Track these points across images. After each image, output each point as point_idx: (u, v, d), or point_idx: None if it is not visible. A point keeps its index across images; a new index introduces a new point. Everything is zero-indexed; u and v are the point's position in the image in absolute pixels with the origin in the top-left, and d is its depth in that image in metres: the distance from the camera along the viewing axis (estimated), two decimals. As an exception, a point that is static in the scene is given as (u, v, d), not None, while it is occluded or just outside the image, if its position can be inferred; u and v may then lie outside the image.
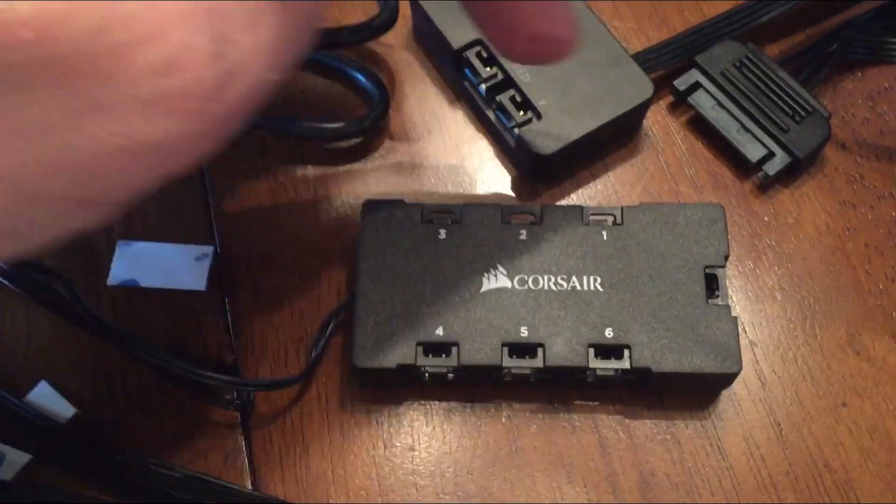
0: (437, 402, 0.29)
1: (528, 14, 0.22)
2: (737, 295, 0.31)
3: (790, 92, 0.32)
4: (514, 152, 0.32)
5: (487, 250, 0.29)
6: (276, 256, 0.31)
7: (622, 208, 0.29)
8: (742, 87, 0.33)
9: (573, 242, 0.29)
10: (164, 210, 0.32)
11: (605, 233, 0.29)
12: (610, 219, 0.29)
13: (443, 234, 0.29)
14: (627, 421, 0.29)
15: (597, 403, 0.29)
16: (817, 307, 0.30)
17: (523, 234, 0.29)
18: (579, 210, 0.29)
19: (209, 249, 0.29)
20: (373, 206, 0.30)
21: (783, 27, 0.35)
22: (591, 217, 0.29)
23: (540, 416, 0.29)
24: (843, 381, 0.29)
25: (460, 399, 0.29)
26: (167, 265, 0.29)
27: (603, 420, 0.29)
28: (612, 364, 0.27)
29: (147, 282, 0.29)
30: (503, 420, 0.29)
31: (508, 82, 0.32)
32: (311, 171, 0.33)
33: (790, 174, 0.32)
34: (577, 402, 0.29)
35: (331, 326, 0.29)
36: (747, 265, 0.31)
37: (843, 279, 0.31)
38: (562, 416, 0.29)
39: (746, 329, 0.30)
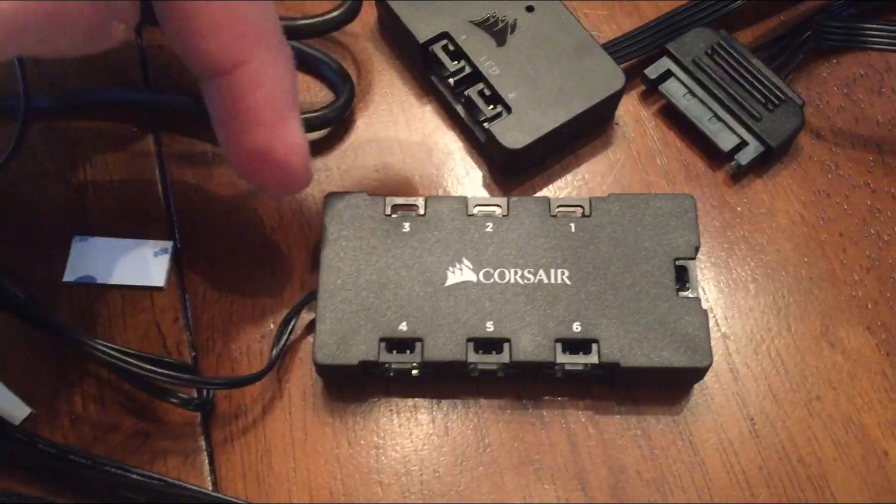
0: (402, 399, 0.28)
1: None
2: (709, 286, 0.30)
3: (763, 80, 0.32)
4: (483, 146, 0.32)
5: (452, 243, 0.28)
6: (237, 251, 0.30)
7: (590, 199, 0.29)
8: (714, 75, 0.32)
9: (540, 235, 0.28)
10: (122, 204, 0.31)
11: (573, 225, 0.28)
12: (578, 210, 0.29)
13: (407, 227, 0.28)
14: (597, 416, 0.28)
15: (566, 399, 0.28)
16: (791, 299, 0.30)
17: (489, 227, 0.28)
18: (546, 202, 0.29)
19: (168, 245, 0.29)
20: (335, 200, 0.29)
21: (756, 14, 0.35)
22: (559, 209, 0.29)
23: (508, 412, 0.28)
24: (818, 374, 0.29)
25: (426, 395, 0.28)
26: (125, 261, 0.28)
27: (572, 416, 0.28)
28: (580, 359, 0.27)
29: (104, 278, 0.28)
30: (470, 417, 0.28)
31: (476, 76, 0.31)
32: (275, 165, 0.32)
33: (763, 163, 0.32)
34: (546, 397, 0.28)
35: (293, 322, 0.29)
36: (720, 256, 0.31)
37: (817, 270, 0.30)
38: (530, 413, 0.28)
39: (719, 322, 0.29)
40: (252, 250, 0.30)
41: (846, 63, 0.34)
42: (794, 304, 0.30)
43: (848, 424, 0.28)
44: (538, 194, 0.32)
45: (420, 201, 0.29)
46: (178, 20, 0.22)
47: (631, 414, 0.28)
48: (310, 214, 0.31)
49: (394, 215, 0.29)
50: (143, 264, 0.28)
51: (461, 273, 0.28)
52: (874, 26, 0.31)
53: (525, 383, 0.28)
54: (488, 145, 0.31)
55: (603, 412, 0.28)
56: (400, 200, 0.29)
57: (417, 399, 0.28)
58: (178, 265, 0.30)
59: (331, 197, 0.29)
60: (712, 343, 0.27)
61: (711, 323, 0.29)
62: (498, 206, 0.29)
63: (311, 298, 0.29)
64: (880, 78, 0.34)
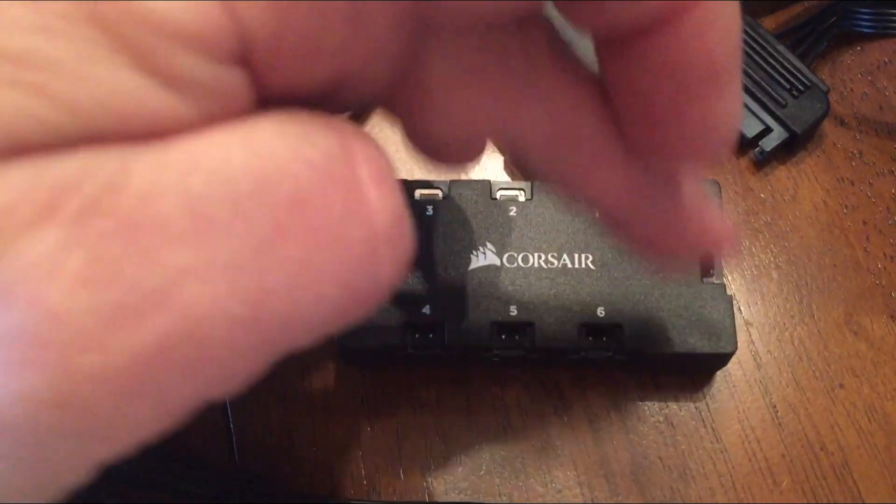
0: (424, 383, 0.28)
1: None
2: (732, 274, 0.30)
3: (788, 66, 0.32)
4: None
5: (476, 227, 0.28)
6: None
7: None
8: (739, 61, 0.32)
9: (564, 219, 0.28)
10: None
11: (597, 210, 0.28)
12: None
13: (430, 210, 0.28)
14: (620, 402, 0.28)
15: (588, 384, 0.28)
16: (814, 286, 0.30)
17: (513, 211, 0.28)
18: None
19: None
20: None
21: None
22: None
23: (530, 396, 0.28)
24: (841, 361, 0.29)
25: (449, 380, 0.28)
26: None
27: (594, 401, 0.28)
28: (604, 344, 0.27)
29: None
30: (493, 401, 0.28)
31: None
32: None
33: (787, 150, 0.32)
34: (569, 383, 0.28)
35: None
36: (743, 243, 0.30)
37: (840, 257, 0.30)
38: (553, 398, 0.28)
39: (742, 308, 0.29)
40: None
41: (871, 50, 0.34)
42: (818, 292, 0.30)
43: (871, 412, 0.28)
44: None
45: (444, 185, 0.29)
46: None
47: (653, 400, 0.28)
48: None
49: (417, 198, 0.28)
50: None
51: (484, 257, 0.27)
52: (901, 14, 0.31)
53: (548, 368, 0.28)
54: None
55: (626, 398, 0.28)
56: (423, 183, 0.29)
57: (440, 383, 0.28)
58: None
59: None
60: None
61: (734, 309, 0.29)
62: (522, 189, 0.29)
63: None
64: (905, 65, 0.33)
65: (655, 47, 0.14)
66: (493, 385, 0.28)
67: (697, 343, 0.26)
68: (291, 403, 0.28)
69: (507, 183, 0.29)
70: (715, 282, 0.27)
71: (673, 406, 0.28)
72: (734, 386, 0.28)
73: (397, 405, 0.28)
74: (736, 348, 0.26)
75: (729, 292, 0.27)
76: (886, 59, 0.34)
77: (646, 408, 0.28)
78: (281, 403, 0.28)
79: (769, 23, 0.34)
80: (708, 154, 0.17)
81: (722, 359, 0.27)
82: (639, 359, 0.27)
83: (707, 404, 0.28)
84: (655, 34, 0.14)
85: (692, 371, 0.28)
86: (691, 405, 0.28)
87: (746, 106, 0.31)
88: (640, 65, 0.15)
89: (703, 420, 0.28)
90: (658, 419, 0.28)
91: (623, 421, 0.28)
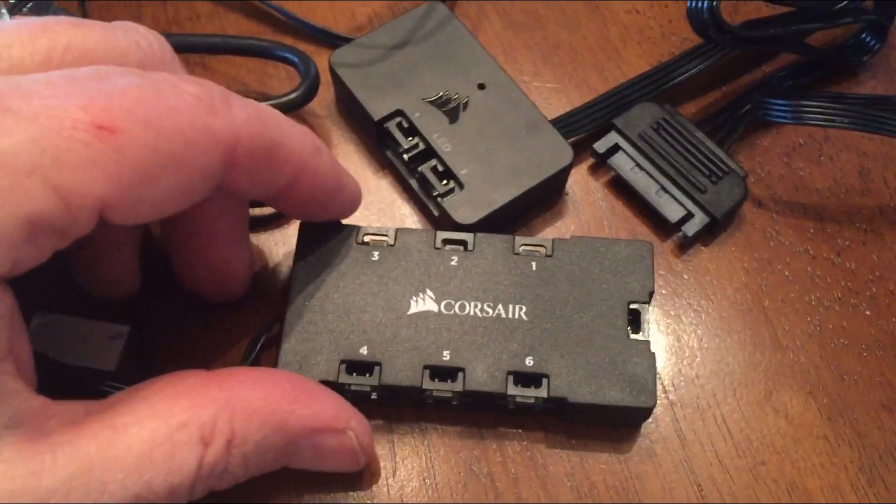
0: None
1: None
2: (658, 353, 0.31)
3: (706, 152, 0.33)
4: (438, 220, 0.33)
5: (418, 274, 0.29)
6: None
7: (553, 240, 0.30)
8: (660, 149, 0.33)
9: (502, 271, 0.29)
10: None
11: (534, 263, 0.29)
12: (541, 250, 0.30)
13: (376, 255, 0.30)
14: (545, 450, 0.29)
15: (517, 430, 0.29)
16: (736, 365, 0.31)
17: (454, 260, 0.29)
18: (511, 240, 0.30)
19: (125, 329, 0.29)
20: (309, 227, 0.30)
21: (700, 87, 0.36)
22: (522, 247, 0.30)
23: (459, 440, 0.29)
24: (762, 439, 0.30)
25: (383, 418, 0.29)
26: (81, 342, 0.29)
27: (520, 448, 0.29)
28: (531, 392, 0.28)
29: (58, 357, 0.29)
30: (423, 442, 0.29)
31: (430, 152, 0.32)
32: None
33: (709, 233, 0.33)
34: (498, 428, 0.29)
35: (261, 341, 0.30)
36: (668, 324, 0.32)
37: (760, 336, 0.31)
38: (479, 443, 0.29)
39: (667, 388, 0.30)
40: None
41: (786, 132, 0.35)
42: (739, 371, 0.31)
43: (792, 489, 0.29)
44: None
45: (391, 232, 0.30)
46: None
47: (576, 449, 0.29)
48: (272, 287, 0.32)
49: (364, 244, 0.30)
50: (98, 347, 0.29)
51: (423, 303, 0.29)
52: (810, 103, 0.33)
53: (478, 413, 0.30)
54: (442, 219, 0.32)
55: (551, 446, 0.29)
56: (371, 230, 0.30)
57: (374, 421, 0.29)
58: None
59: (306, 223, 0.30)
60: (659, 402, 0.29)
61: (659, 388, 0.30)
62: (464, 241, 0.30)
63: (278, 319, 0.30)
64: (819, 147, 0.35)
65: (298, 187, 0.26)
66: (428, 426, 0.29)
67: (619, 396, 0.28)
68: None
69: (451, 234, 0.30)
70: (641, 338, 0.29)
71: (598, 480, 0.29)
72: (660, 465, 0.29)
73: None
74: (655, 403, 0.28)
75: (653, 349, 0.28)
76: (801, 141, 0.35)
77: (568, 459, 0.29)
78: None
79: (689, 109, 0.36)
80: (348, 212, 0.30)
81: (642, 413, 0.29)
82: (563, 408, 0.28)
83: (634, 485, 0.29)
84: (294, 184, 0.26)
85: (615, 422, 0.29)
86: (617, 484, 0.29)
87: (669, 192, 0.33)
88: (294, 195, 0.26)
89: (629, 498, 0.29)
90: (580, 472, 0.29)
91: (545, 468, 0.29)
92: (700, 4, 0.31)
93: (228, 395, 0.23)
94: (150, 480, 0.21)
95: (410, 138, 0.32)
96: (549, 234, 0.33)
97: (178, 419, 0.22)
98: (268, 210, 0.33)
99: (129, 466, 0.21)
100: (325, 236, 0.30)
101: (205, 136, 0.22)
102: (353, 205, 0.29)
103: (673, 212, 0.33)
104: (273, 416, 0.24)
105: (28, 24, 0.22)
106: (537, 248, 0.30)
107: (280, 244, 0.33)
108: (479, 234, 0.30)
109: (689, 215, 0.33)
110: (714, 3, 0.31)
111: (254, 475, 0.24)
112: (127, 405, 0.22)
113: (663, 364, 0.31)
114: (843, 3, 0.35)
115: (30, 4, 0.35)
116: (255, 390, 0.24)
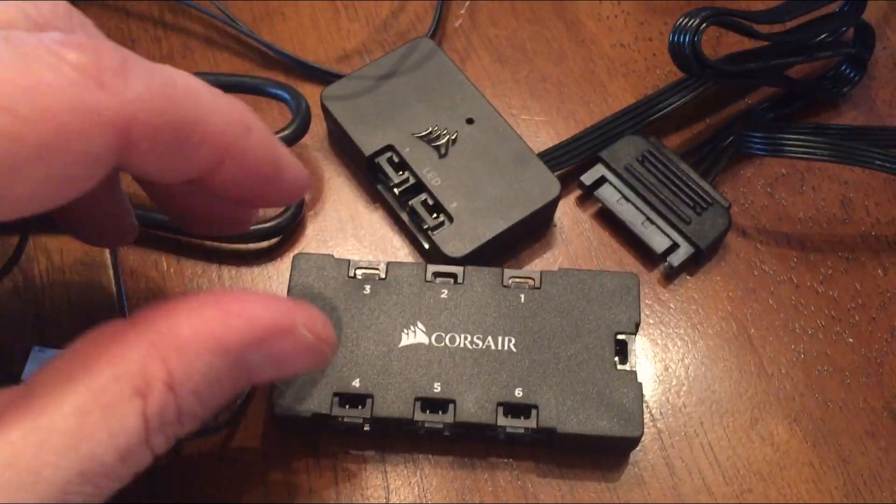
0: (353, 453, 0.30)
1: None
2: (645, 383, 0.32)
3: (691, 184, 0.34)
4: (429, 253, 0.33)
5: (409, 307, 0.30)
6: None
7: (541, 273, 0.31)
8: (645, 181, 0.34)
9: (491, 303, 0.30)
10: (80, 319, 0.32)
11: (523, 295, 0.30)
12: (529, 282, 0.31)
13: (368, 289, 0.30)
14: (535, 479, 0.30)
15: (508, 460, 0.30)
16: (723, 393, 0.32)
17: (444, 293, 0.30)
18: (500, 272, 0.31)
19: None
20: (303, 260, 0.31)
21: (684, 119, 0.37)
22: (511, 280, 0.31)
23: (451, 470, 0.30)
24: (748, 466, 0.30)
25: (376, 449, 0.30)
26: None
27: (511, 478, 0.30)
28: (520, 423, 0.28)
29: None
30: (415, 473, 0.30)
31: (420, 186, 0.33)
32: (226, 273, 0.33)
33: (695, 263, 0.34)
34: (489, 458, 0.30)
35: None
36: (655, 352, 0.32)
37: (746, 364, 0.32)
38: (471, 473, 0.30)
39: (654, 416, 0.31)
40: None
41: (769, 163, 0.36)
42: (726, 399, 0.31)
43: (778, 516, 0.30)
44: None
45: (382, 265, 0.31)
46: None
47: (566, 478, 0.30)
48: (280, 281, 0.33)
49: (357, 278, 0.30)
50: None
51: (414, 336, 0.29)
52: (790, 136, 0.33)
53: (470, 444, 0.30)
54: (433, 252, 0.33)
55: (542, 475, 0.30)
56: (363, 264, 0.31)
57: (367, 452, 0.30)
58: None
59: (298, 257, 0.31)
60: (647, 431, 0.29)
61: (647, 417, 0.31)
62: (454, 274, 0.31)
63: None
64: (801, 177, 0.36)
65: (223, 172, 0.22)
66: (421, 456, 0.30)
67: (606, 426, 0.28)
68: (227, 470, 0.30)
69: (441, 267, 0.31)
70: (628, 369, 0.29)
71: (586, 492, 0.29)
72: (648, 493, 0.30)
73: (326, 474, 0.30)
74: (643, 433, 0.28)
75: (640, 379, 0.29)
76: (784, 172, 0.36)
77: (558, 488, 0.29)
78: (220, 471, 0.30)
79: (674, 141, 0.36)
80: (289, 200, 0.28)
81: (630, 442, 0.29)
82: (553, 438, 0.29)
83: (624, 512, 0.29)
84: (218, 169, 0.22)
85: (604, 451, 0.30)
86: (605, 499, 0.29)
87: (654, 223, 0.34)
88: (219, 181, 0.23)
89: (620, 530, 0.29)
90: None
91: (536, 497, 0.29)
92: (681, 39, 0.32)
93: (151, 336, 0.20)
94: (90, 453, 0.19)
95: (401, 173, 0.33)
96: (538, 265, 0.34)
97: (101, 380, 0.19)
98: (263, 244, 0.34)
99: (60, 446, 0.19)
100: (318, 270, 0.30)
101: (84, 116, 0.18)
102: (294, 193, 0.26)
103: (658, 243, 0.33)
104: (207, 340, 0.21)
105: None
106: (526, 281, 0.31)
107: (274, 278, 0.33)
108: (469, 267, 0.31)
109: (674, 246, 0.33)
110: (695, 38, 0.32)
111: (219, 407, 0.22)
112: (44, 382, 0.20)
113: (651, 393, 0.31)
114: (822, 37, 0.36)
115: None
116: (179, 319, 0.21)
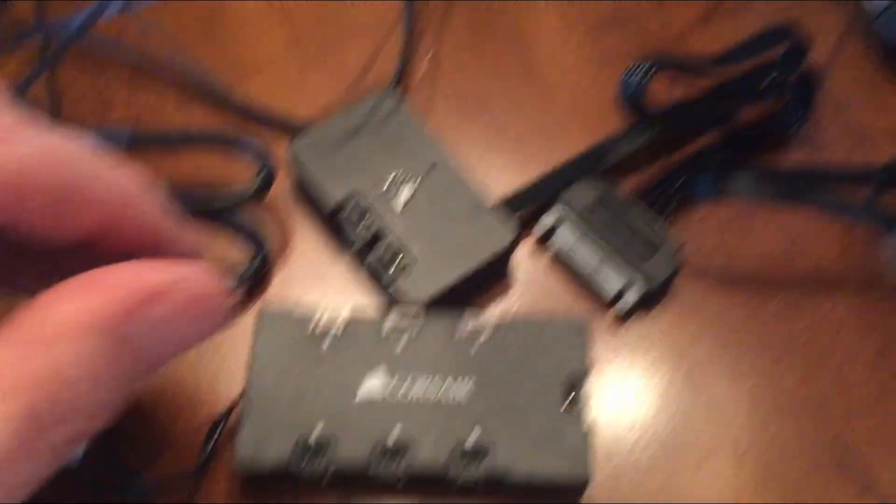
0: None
1: None
2: (598, 422, 0.33)
3: (643, 227, 0.35)
4: (391, 299, 0.35)
5: (366, 359, 0.31)
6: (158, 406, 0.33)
7: (496, 322, 0.32)
8: (599, 224, 0.35)
9: (447, 352, 0.31)
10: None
11: (477, 344, 0.32)
12: (483, 330, 0.32)
13: (326, 345, 0.32)
14: None
15: None
16: (673, 433, 0.33)
17: (401, 343, 0.32)
18: (455, 322, 0.32)
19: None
20: (266, 316, 0.32)
21: (638, 161, 0.38)
22: (467, 328, 0.32)
23: None
24: None
25: (338, 499, 0.31)
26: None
27: None
28: (472, 469, 0.30)
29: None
30: None
31: (381, 235, 0.34)
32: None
33: (646, 304, 0.35)
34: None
35: (220, 427, 0.32)
36: (608, 395, 0.33)
37: (697, 403, 0.33)
38: None
39: (605, 459, 0.32)
40: (174, 409, 0.33)
41: (721, 204, 0.37)
42: (675, 438, 0.33)
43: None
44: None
45: (340, 322, 0.32)
46: None
47: None
48: (229, 375, 0.34)
49: (316, 334, 0.32)
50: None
51: (372, 387, 0.31)
52: (737, 177, 0.35)
53: (429, 492, 0.31)
54: (394, 299, 0.34)
55: None
56: (324, 319, 0.32)
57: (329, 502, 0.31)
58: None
59: (261, 313, 0.32)
60: (599, 472, 0.31)
61: (600, 459, 0.32)
62: (411, 324, 0.32)
63: (234, 407, 0.32)
64: (750, 218, 0.37)
65: (115, 238, 0.22)
66: None
67: (555, 470, 0.30)
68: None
69: (396, 319, 0.32)
70: (577, 413, 0.31)
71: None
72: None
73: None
74: (591, 476, 0.30)
75: (588, 424, 0.30)
76: (734, 213, 0.37)
77: None
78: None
79: (628, 184, 0.38)
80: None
81: (579, 485, 0.31)
82: (504, 485, 0.30)
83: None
84: (105, 235, 0.22)
85: (555, 497, 0.31)
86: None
87: (607, 266, 0.35)
88: (111, 247, 0.22)
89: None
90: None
91: None
92: (627, 93, 0.34)
93: (15, 335, 0.18)
94: None
95: (363, 222, 0.35)
96: (496, 308, 0.35)
97: None
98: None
99: None
100: (280, 327, 0.32)
101: None
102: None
103: (609, 287, 0.35)
104: (76, 325, 0.19)
105: None
106: (480, 330, 0.32)
107: (238, 334, 0.35)
108: (426, 316, 0.32)
109: (626, 287, 0.35)
110: (638, 91, 0.33)
111: (118, 395, 0.20)
112: None
113: (601, 436, 0.33)
114: (769, 79, 0.37)
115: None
116: (49, 311, 0.19)
